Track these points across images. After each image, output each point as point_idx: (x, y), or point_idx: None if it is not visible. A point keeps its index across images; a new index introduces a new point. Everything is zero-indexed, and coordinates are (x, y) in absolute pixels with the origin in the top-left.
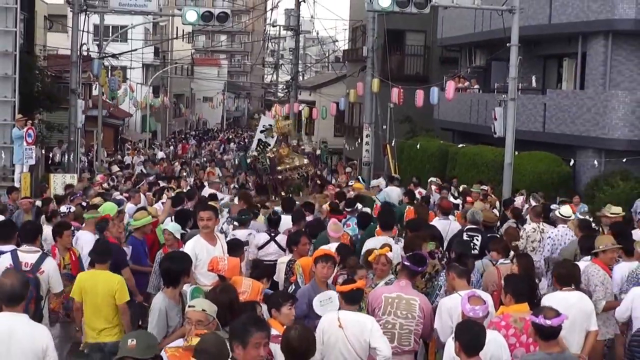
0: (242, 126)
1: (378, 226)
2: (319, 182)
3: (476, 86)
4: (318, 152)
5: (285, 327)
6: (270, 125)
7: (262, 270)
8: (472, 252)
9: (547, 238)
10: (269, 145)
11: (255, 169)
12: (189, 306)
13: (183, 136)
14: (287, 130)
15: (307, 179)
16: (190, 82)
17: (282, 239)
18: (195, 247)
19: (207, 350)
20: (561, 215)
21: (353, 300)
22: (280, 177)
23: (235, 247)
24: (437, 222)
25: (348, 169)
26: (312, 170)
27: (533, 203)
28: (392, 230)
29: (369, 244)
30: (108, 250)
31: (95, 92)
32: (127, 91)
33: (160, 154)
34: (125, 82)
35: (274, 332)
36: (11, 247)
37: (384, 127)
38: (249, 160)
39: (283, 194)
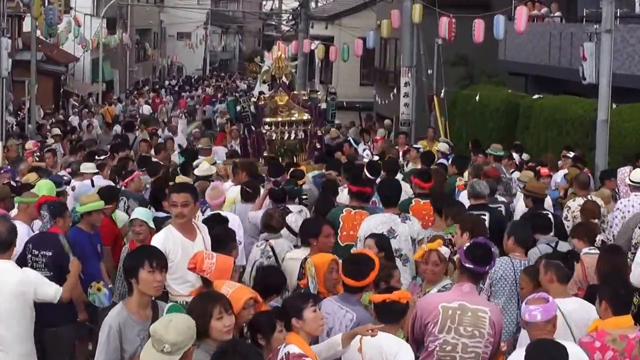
0: (233, 72)
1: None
2: (318, 145)
3: (557, 13)
4: (323, 105)
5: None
6: (269, 67)
7: (268, 279)
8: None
9: (616, 210)
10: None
11: (243, 119)
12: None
13: (149, 87)
14: (289, 73)
15: (305, 141)
16: (159, 12)
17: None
18: (167, 242)
19: None
20: (632, 182)
21: (388, 316)
22: (265, 131)
23: (224, 241)
24: None
25: (381, 131)
26: (311, 130)
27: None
28: (395, 206)
29: (368, 224)
30: None
31: (27, 28)
32: (72, 26)
33: (146, 108)
34: (69, 13)
35: (297, 349)
36: None
37: (430, 72)
38: (238, 108)
39: (266, 154)
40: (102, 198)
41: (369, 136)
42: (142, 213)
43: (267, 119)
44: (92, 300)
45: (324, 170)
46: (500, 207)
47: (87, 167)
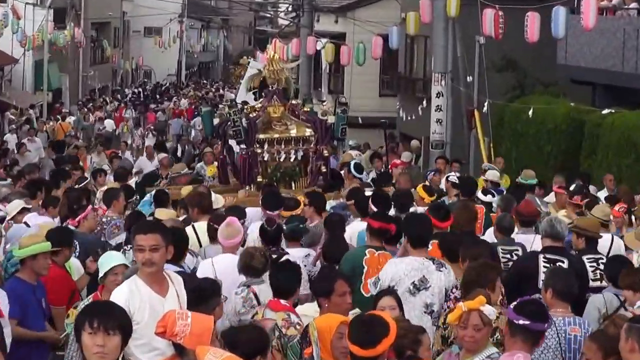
0: (215, 79)
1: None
2: (323, 169)
3: (633, 4)
4: (330, 119)
5: None
6: (260, 70)
7: (244, 339)
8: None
9: None
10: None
11: (224, 135)
12: None
13: (108, 97)
14: (284, 78)
15: (307, 163)
16: (121, 1)
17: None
18: (131, 298)
19: None
20: None
21: None
22: (259, 151)
23: (205, 295)
24: (517, 236)
25: (406, 154)
26: (315, 149)
27: None
28: (426, 247)
29: (395, 270)
30: None
31: None
32: (9, 18)
33: (109, 123)
34: (5, 2)
35: None
36: None
37: (469, 79)
38: (216, 121)
39: (260, 179)
40: (50, 242)
41: (381, 162)
42: (120, 258)
43: (260, 136)
44: (70, 331)
45: (342, 200)
46: (518, 250)
47: (14, 206)
